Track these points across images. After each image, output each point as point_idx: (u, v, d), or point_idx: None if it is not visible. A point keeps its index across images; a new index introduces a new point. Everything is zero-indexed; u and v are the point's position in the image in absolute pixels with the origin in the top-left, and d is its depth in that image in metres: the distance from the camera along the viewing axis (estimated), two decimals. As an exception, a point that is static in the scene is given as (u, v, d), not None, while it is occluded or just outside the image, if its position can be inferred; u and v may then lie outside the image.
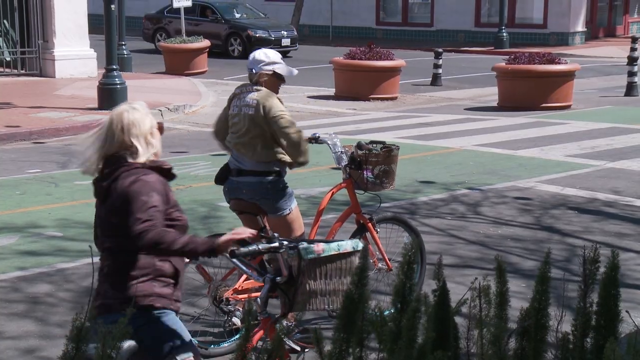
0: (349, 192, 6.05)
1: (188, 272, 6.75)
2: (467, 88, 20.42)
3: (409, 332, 2.29)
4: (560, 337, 2.48)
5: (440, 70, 20.64)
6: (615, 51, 27.94)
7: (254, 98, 5.53)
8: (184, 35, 22.82)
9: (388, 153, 5.93)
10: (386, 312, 2.39)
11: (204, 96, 17.76)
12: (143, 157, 3.79)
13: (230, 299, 5.31)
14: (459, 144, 12.56)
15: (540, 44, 29.94)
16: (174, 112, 15.68)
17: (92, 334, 2.23)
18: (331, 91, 18.82)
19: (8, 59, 19.75)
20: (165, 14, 27.88)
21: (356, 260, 3.84)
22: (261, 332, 4.03)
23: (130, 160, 3.77)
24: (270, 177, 5.53)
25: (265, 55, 5.61)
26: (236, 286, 5.36)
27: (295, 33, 28.48)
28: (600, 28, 34.39)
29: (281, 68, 5.60)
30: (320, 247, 3.83)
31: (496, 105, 17.13)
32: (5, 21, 19.58)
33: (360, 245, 3.93)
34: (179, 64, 21.97)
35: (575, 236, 7.90)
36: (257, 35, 26.94)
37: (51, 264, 6.95)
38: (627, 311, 2.54)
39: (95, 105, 15.32)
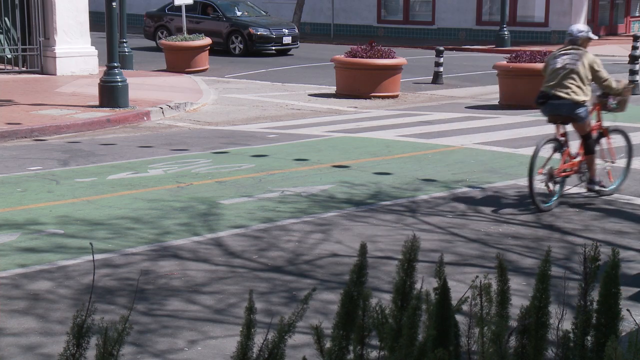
0: (597, 112, 9.37)
1: (192, 269, 6.76)
2: (468, 86, 20.41)
3: (410, 330, 2.29)
4: (561, 336, 2.48)
5: (441, 69, 20.63)
6: (616, 50, 27.92)
7: (580, 54, 8.85)
8: (185, 33, 22.82)
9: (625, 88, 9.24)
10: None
11: (205, 94, 17.76)
12: None
13: (557, 175, 8.87)
14: (460, 142, 12.56)
15: (541, 43, 29.92)
16: (175, 109, 15.69)
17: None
18: (332, 89, 18.82)
19: (9, 56, 19.76)
20: (167, 12, 27.88)
21: None
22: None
23: None
24: (580, 104, 8.80)
25: (583, 26, 9.16)
26: (560, 167, 8.92)
27: (297, 31, 28.48)
28: (602, 26, 34.36)
29: (591, 34, 9.13)
30: None
31: (497, 103, 17.13)
32: (6, 18, 19.59)
33: None
34: (180, 62, 21.97)
35: (575, 234, 7.91)
36: (259, 33, 26.95)
37: (52, 261, 6.96)
38: (627, 309, 2.54)
39: (97, 102, 15.33)
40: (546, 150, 8.88)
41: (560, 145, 8.99)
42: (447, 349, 2.33)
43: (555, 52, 9.11)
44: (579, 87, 8.78)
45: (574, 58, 8.82)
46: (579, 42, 8.95)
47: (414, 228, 7.88)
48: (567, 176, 9.04)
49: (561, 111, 8.88)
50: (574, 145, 9.32)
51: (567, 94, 8.78)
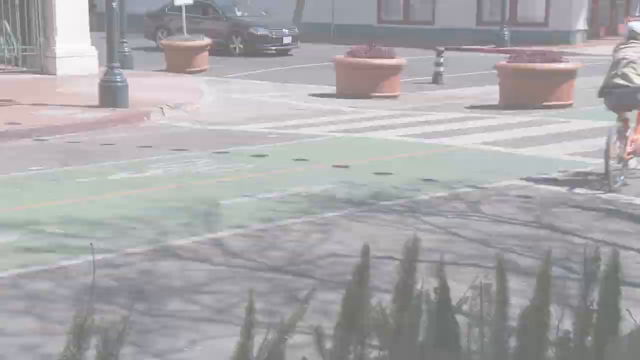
0: None
1: (192, 269, 6.76)
2: (468, 86, 20.40)
3: (410, 330, 2.29)
4: (561, 336, 2.47)
5: (441, 69, 20.63)
6: (616, 50, 27.90)
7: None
8: (186, 33, 22.83)
9: None
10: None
11: (205, 94, 17.76)
12: None
13: (625, 158, 9.84)
14: (460, 142, 12.56)
15: (541, 43, 29.90)
16: (175, 109, 15.69)
17: None
18: (332, 89, 18.81)
19: (9, 56, 19.75)
20: (167, 12, 27.89)
21: None
22: None
23: None
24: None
25: None
26: (626, 151, 9.84)
27: (297, 31, 28.49)
28: (602, 26, 34.37)
29: None
30: None
31: (497, 103, 17.12)
32: (5, 21, 19.59)
33: None
34: (180, 62, 21.97)
35: (575, 234, 7.90)
36: (259, 33, 26.97)
37: (52, 261, 6.95)
38: (627, 310, 2.54)
39: (97, 102, 15.32)
40: (615, 137, 9.80)
41: (623, 130, 9.96)
42: (447, 349, 2.33)
43: (616, 46, 10.17)
44: (638, 74, 9.70)
45: (635, 50, 9.83)
46: (639, 38, 10.02)
47: (414, 228, 7.87)
48: (630, 158, 10.07)
49: (624, 100, 9.81)
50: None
51: (628, 80, 9.71)
